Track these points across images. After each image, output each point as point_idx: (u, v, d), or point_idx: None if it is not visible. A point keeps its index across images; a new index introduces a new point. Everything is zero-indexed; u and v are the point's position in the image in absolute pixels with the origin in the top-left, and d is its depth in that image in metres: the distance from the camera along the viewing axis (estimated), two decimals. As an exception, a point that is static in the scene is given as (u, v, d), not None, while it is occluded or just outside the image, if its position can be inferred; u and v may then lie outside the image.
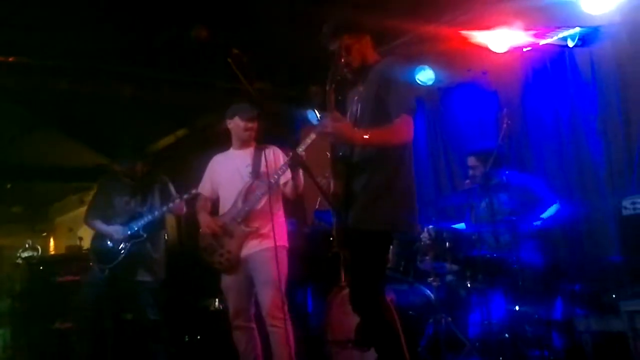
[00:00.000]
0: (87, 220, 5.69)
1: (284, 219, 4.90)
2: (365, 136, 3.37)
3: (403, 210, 3.52)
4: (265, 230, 4.68)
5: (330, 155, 3.63)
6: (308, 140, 4.52)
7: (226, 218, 4.80)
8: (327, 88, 3.56)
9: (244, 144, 4.94)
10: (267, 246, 4.60)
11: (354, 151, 3.54)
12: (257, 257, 4.66)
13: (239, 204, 4.76)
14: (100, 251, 5.49)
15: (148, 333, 5.49)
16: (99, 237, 5.55)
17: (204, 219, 4.91)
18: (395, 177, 3.52)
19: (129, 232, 5.39)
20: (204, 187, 5.07)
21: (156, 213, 5.41)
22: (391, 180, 3.50)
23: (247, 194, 4.75)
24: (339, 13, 3.78)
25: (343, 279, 3.76)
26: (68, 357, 5.86)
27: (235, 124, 4.90)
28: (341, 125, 3.39)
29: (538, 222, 5.16)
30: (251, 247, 4.70)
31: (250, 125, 4.87)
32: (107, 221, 5.50)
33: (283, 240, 4.77)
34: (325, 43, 3.68)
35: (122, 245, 5.40)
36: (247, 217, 4.72)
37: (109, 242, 5.44)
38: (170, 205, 5.39)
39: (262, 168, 4.74)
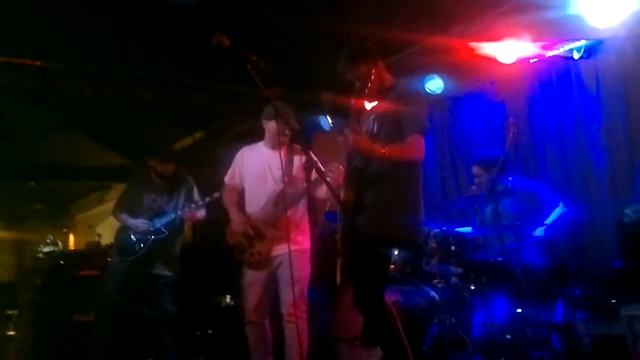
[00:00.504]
0: (115, 211, 5.95)
1: (307, 222, 4.93)
2: (382, 151, 3.57)
3: (407, 223, 3.72)
4: (294, 233, 4.71)
5: (345, 166, 3.85)
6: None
7: (258, 219, 4.83)
8: (351, 106, 3.78)
9: (276, 145, 4.93)
10: (296, 248, 4.64)
11: (369, 164, 3.73)
12: (285, 258, 4.62)
13: (271, 207, 4.79)
14: (123, 243, 5.73)
15: (163, 326, 5.68)
16: (123, 230, 5.79)
17: (235, 215, 4.92)
18: (405, 192, 3.73)
19: (152, 228, 5.62)
20: (233, 178, 5.06)
21: (179, 213, 5.62)
22: (400, 194, 3.72)
23: (279, 197, 4.75)
24: (352, 31, 3.94)
25: (339, 281, 3.90)
26: (87, 349, 6.03)
27: (272, 127, 4.88)
28: (362, 139, 3.62)
29: (542, 229, 5.27)
30: (280, 249, 4.74)
31: (287, 132, 4.85)
32: (133, 215, 5.73)
33: (308, 243, 4.87)
34: (343, 73, 3.88)
35: (144, 239, 5.63)
36: (279, 221, 4.73)
37: (132, 236, 5.67)
38: (187, 210, 5.60)
39: (295, 172, 4.83)
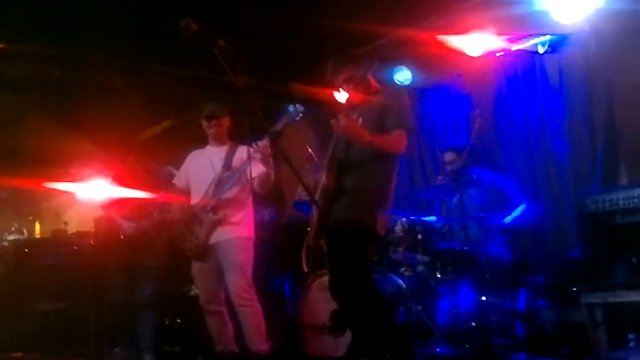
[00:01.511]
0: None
1: (251, 210, 5.06)
2: (370, 138, 3.68)
3: (381, 213, 3.85)
4: (234, 219, 4.89)
5: (329, 151, 3.94)
6: (279, 125, 4.57)
7: (197, 207, 4.98)
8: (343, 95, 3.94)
9: (218, 142, 5.12)
10: (235, 235, 4.85)
11: (350, 151, 3.85)
12: (225, 245, 4.84)
13: (210, 193, 4.94)
14: (115, 239, 5.80)
15: (139, 312, 5.68)
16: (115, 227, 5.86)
17: (176, 207, 5.15)
18: (384, 181, 3.89)
19: (136, 223, 5.70)
20: (179, 180, 5.26)
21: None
22: (379, 184, 3.87)
23: (217, 184, 4.93)
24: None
25: (305, 268, 3.96)
26: (50, 337, 6.02)
27: (202, 124, 5.11)
28: (354, 123, 3.72)
29: (506, 221, 5.37)
30: (219, 235, 4.87)
31: (212, 123, 5.05)
32: (122, 216, 5.80)
33: (250, 232, 4.97)
34: (330, 76, 4.00)
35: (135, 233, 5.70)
36: (216, 205, 4.88)
37: (121, 234, 5.75)
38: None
39: (235, 162, 4.98)
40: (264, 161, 4.70)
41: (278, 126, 4.60)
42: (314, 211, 3.94)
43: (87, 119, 7.00)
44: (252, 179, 4.82)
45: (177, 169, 5.42)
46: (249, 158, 4.67)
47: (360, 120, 3.80)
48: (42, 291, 6.63)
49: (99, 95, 6.90)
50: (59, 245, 7.06)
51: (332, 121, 3.76)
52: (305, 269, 4.04)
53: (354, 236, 3.78)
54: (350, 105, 4.00)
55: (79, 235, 7.32)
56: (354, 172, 3.84)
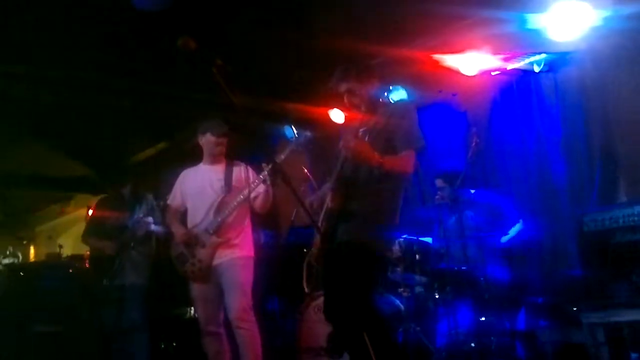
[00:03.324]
0: (83, 238, 6.05)
1: (250, 229, 5.07)
2: (380, 160, 3.59)
3: (387, 234, 3.81)
4: (236, 240, 4.90)
5: (336, 172, 3.82)
6: (284, 154, 4.71)
7: (198, 229, 4.95)
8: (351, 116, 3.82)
9: (214, 160, 5.10)
10: (237, 255, 4.85)
11: (358, 172, 3.75)
12: (227, 265, 4.84)
13: (211, 216, 4.91)
14: (97, 263, 5.80)
15: (130, 336, 5.64)
16: (95, 251, 5.90)
17: (177, 229, 5.09)
18: (391, 203, 3.78)
19: (117, 245, 5.66)
20: (174, 199, 5.23)
21: (142, 225, 5.66)
22: (386, 205, 3.76)
23: (219, 206, 4.91)
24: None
25: (306, 288, 3.89)
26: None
27: (207, 140, 5.07)
28: (363, 144, 3.63)
29: (504, 239, 5.34)
30: (222, 256, 4.86)
31: (220, 140, 5.04)
32: (101, 238, 5.81)
33: (250, 251, 4.97)
34: (334, 86, 3.92)
35: (115, 256, 5.65)
36: (219, 228, 4.87)
37: (103, 256, 5.71)
38: (148, 222, 5.69)
39: (235, 182, 4.96)
40: (264, 182, 4.73)
41: (285, 153, 4.70)
42: (319, 230, 3.81)
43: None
44: (254, 199, 4.92)
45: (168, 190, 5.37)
46: (255, 181, 4.77)
47: (366, 138, 3.73)
48: (37, 314, 6.54)
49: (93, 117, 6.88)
50: (54, 269, 6.98)
51: (341, 142, 3.68)
52: (307, 290, 3.97)
53: (360, 259, 3.66)
54: (356, 122, 3.91)
55: (74, 258, 7.26)
56: (361, 193, 3.74)
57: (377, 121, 3.80)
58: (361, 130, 3.81)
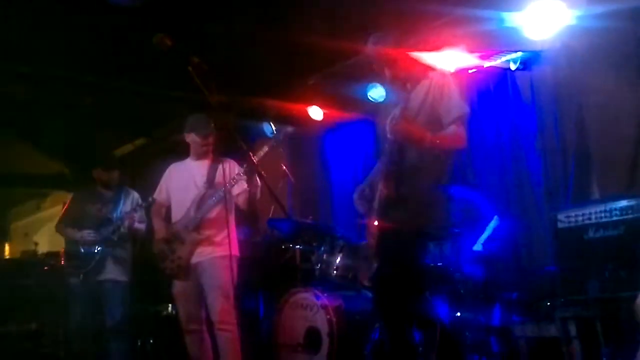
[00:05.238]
0: (59, 227, 5.88)
1: (234, 228, 4.97)
2: (433, 138, 3.47)
3: (439, 214, 3.68)
4: (217, 238, 4.80)
5: (386, 156, 3.68)
6: (262, 151, 4.69)
7: (179, 225, 4.89)
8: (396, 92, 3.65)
9: (201, 156, 5.03)
10: (219, 254, 4.75)
11: (406, 154, 3.60)
12: (208, 264, 4.76)
13: (192, 212, 4.85)
14: (74, 256, 5.65)
15: (112, 333, 5.60)
16: (71, 243, 5.71)
17: (157, 225, 5.04)
18: (441, 182, 3.67)
19: (99, 238, 5.57)
20: (160, 194, 5.16)
21: (125, 219, 5.59)
22: (437, 185, 3.65)
23: (200, 202, 4.84)
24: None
25: (367, 283, 3.74)
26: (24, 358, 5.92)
27: (192, 139, 4.99)
28: (414, 125, 3.51)
29: (479, 244, 5.36)
30: (202, 254, 4.79)
31: (206, 140, 4.97)
32: (79, 228, 5.67)
33: (234, 250, 4.80)
34: (370, 53, 3.81)
35: (93, 250, 5.56)
36: (199, 224, 4.81)
37: (81, 248, 5.60)
38: (132, 216, 5.59)
39: (218, 179, 4.87)
40: (249, 180, 4.68)
41: (264, 150, 4.66)
42: (371, 222, 3.68)
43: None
44: (237, 196, 4.86)
45: (152, 187, 5.32)
46: (233, 179, 4.69)
47: (406, 113, 3.54)
48: (12, 313, 6.51)
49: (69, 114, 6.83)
50: (29, 266, 6.94)
51: (388, 124, 3.57)
52: (368, 284, 3.78)
53: (415, 243, 3.59)
54: (393, 101, 3.76)
55: (50, 255, 7.21)
56: (412, 177, 3.59)
57: (416, 95, 3.64)
58: (400, 107, 3.61)
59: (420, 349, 4.04)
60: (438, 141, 3.50)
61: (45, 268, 6.06)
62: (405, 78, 3.70)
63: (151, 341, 6.39)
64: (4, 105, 6.71)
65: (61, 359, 6.16)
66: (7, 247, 9.18)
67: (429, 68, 3.79)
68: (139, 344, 6.39)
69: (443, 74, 3.78)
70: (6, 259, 8.31)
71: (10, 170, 8.84)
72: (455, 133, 3.58)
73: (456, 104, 3.61)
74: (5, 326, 6.48)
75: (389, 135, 3.65)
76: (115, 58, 5.87)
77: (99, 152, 6.17)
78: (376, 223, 3.64)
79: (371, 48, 3.79)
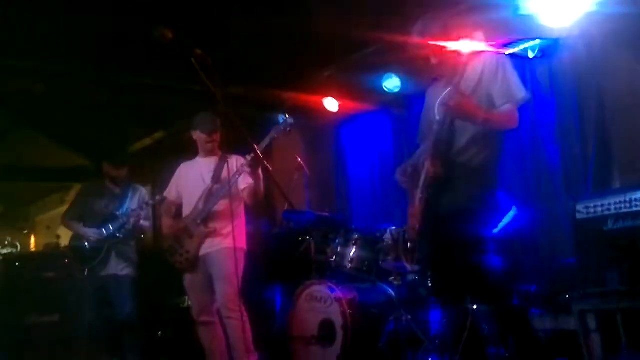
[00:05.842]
0: (64, 219, 5.95)
1: (244, 222, 5.04)
2: (487, 115, 3.47)
3: (492, 194, 3.66)
4: (225, 231, 4.86)
5: (433, 135, 3.65)
6: (264, 143, 4.66)
7: (187, 220, 4.97)
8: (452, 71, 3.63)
9: (208, 153, 5.11)
10: (225, 246, 4.80)
11: (457, 133, 3.60)
12: (215, 256, 4.83)
13: (200, 206, 4.92)
14: (79, 251, 5.73)
15: (124, 327, 5.66)
16: (77, 237, 5.78)
17: (166, 222, 5.18)
18: (493, 162, 3.66)
19: (105, 234, 5.60)
20: (170, 192, 5.25)
21: (131, 216, 5.62)
22: (489, 165, 3.64)
23: (207, 196, 4.92)
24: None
25: (410, 266, 3.69)
26: (43, 350, 5.97)
27: (198, 137, 5.07)
28: (469, 101, 3.50)
29: (497, 230, 5.30)
30: (210, 246, 4.87)
31: (211, 137, 5.03)
32: (84, 223, 5.74)
33: (242, 243, 4.93)
34: (418, 37, 3.79)
35: (100, 245, 5.62)
36: (206, 218, 4.88)
37: (86, 243, 5.66)
38: (138, 213, 5.63)
39: (224, 174, 4.86)
40: (253, 173, 4.69)
41: (266, 141, 4.64)
42: (416, 203, 3.65)
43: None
44: (243, 190, 4.91)
45: (167, 179, 5.37)
46: (237, 171, 4.73)
47: (459, 89, 3.51)
48: (33, 304, 6.59)
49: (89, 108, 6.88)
50: (51, 259, 7.01)
51: (440, 101, 3.55)
52: (410, 268, 3.72)
53: (468, 224, 3.53)
54: (443, 80, 3.74)
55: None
56: (462, 154, 3.59)
57: (468, 77, 3.60)
58: (454, 85, 3.54)
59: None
60: (491, 118, 3.51)
61: (67, 261, 6.09)
62: (454, 64, 3.69)
63: (171, 333, 6.42)
64: (25, 101, 6.81)
65: (83, 350, 6.20)
66: (32, 240, 9.32)
67: (480, 53, 3.76)
68: (159, 334, 6.43)
69: (497, 56, 3.76)
70: (29, 252, 8.41)
71: (33, 165, 8.96)
72: (508, 112, 3.58)
73: (512, 89, 3.61)
74: (28, 317, 6.55)
75: (437, 117, 3.65)
76: (136, 53, 5.88)
77: (111, 147, 6.17)
78: (420, 204, 3.62)
79: (418, 38, 3.80)
